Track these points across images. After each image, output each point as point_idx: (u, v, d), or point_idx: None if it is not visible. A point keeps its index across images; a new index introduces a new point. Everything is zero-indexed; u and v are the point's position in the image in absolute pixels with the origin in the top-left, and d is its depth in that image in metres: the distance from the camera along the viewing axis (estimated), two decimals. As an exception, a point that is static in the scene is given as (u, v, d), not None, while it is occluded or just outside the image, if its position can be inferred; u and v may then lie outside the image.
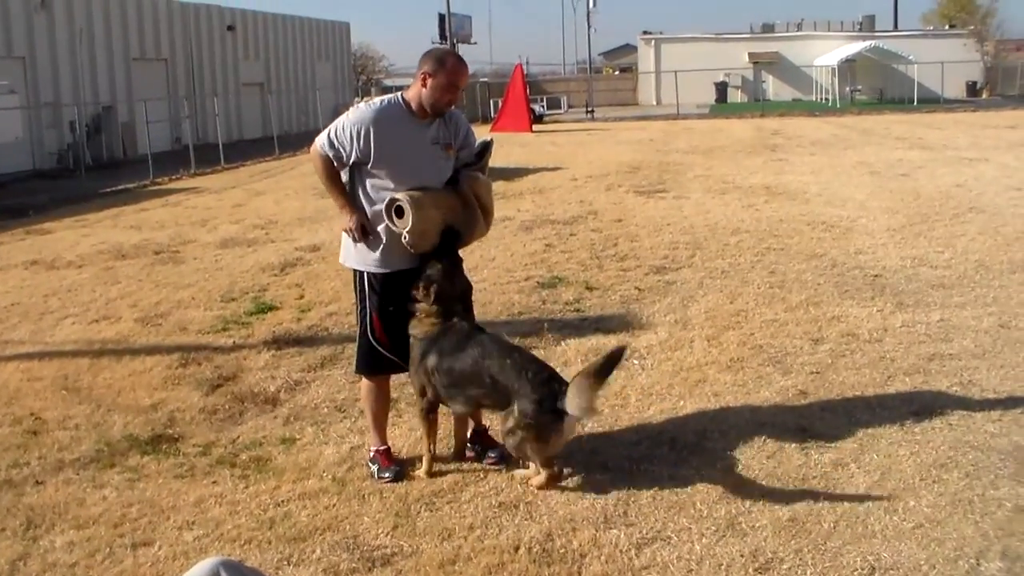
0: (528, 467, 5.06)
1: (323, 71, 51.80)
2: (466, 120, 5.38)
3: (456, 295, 5.13)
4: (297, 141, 33.26)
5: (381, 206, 5.01)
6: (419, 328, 5.09)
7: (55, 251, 13.32)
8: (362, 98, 53.32)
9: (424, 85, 4.93)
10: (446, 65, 4.92)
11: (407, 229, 4.87)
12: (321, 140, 5.08)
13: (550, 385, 4.81)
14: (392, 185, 5.00)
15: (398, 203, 4.89)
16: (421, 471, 5.19)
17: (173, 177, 24.93)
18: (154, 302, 9.65)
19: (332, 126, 5.09)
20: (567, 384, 4.76)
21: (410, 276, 5.10)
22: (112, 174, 26.63)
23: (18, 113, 29.12)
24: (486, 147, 5.38)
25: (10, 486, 5.27)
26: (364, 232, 5.07)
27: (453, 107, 5.17)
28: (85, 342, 8.26)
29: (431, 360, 5.02)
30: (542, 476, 4.94)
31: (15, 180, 25.75)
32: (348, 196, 5.15)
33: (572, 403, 4.65)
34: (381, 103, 5.09)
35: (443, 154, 5.09)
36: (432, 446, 5.23)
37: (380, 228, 5.06)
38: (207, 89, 39.79)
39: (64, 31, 31.97)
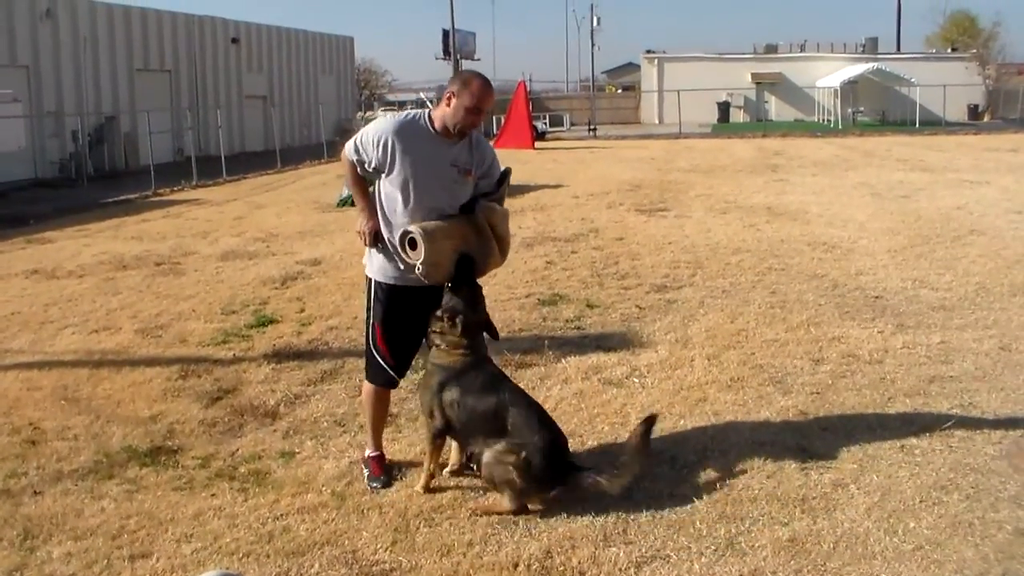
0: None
1: (326, 85, 51.89)
2: (493, 149, 5.37)
3: (481, 324, 5.14)
4: (299, 155, 33.41)
5: (392, 218, 5.05)
6: (443, 359, 5.06)
7: (56, 261, 13.33)
8: (364, 113, 53.54)
9: (448, 105, 4.95)
10: (471, 87, 4.92)
11: (420, 261, 4.85)
12: (349, 145, 5.17)
13: (562, 451, 4.96)
14: (404, 200, 5.01)
15: (411, 235, 4.87)
16: (419, 485, 5.18)
17: (175, 188, 24.97)
18: (154, 313, 9.65)
19: (361, 132, 5.18)
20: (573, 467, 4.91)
21: (417, 294, 5.10)
22: (114, 184, 26.68)
23: (21, 122, 29.17)
24: (504, 177, 5.38)
25: (8, 496, 5.25)
26: (375, 239, 5.11)
27: (479, 134, 5.21)
28: (85, 352, 8.25)
29: (451, 393, 4.99)
30: (504, 503, 4.88)
31: (17, 189, 25.80)
32: (369, 200, 5.19)
33: (615, 481, 4.78)
34: (406, 116, 5.14)
35: (460, 178, 5.08)
36: (434, 466, 5.20)
37: (389, 239, 5.08)
38: (210, 101, 39.87)
39: (68, 41, 32.07)
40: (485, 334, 5.19)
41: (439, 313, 5.04)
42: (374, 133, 5.05)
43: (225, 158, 29.05)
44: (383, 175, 5.07)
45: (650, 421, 4.98)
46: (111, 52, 34.50)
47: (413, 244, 4.88)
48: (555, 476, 4.84)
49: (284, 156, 32.31)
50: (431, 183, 5.02)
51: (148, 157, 27.09)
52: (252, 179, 27.88)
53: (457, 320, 4.99)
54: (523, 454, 4.79)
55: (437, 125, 5.02)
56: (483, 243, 5.09)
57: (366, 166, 5.11)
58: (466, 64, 51.69)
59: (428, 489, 5.15)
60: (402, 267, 5.08)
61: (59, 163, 30.41)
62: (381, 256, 5.18)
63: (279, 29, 47.69)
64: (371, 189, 5.25)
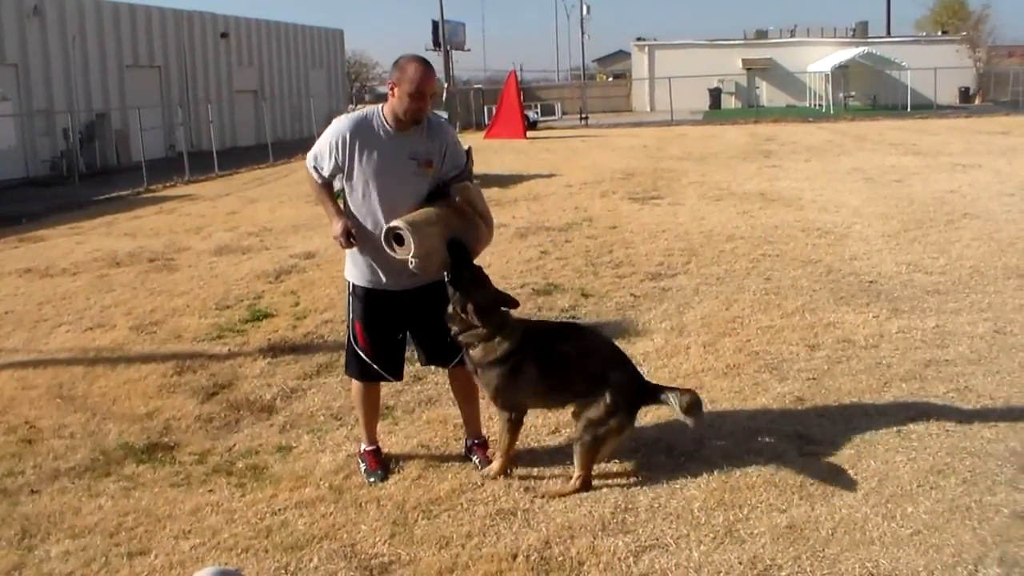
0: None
1: (317, 78, 51.82)
2: (451, 131, 5.29)
3: (499, 299, 5.08)
4: (291, 148, 33.23)
5: (363, 221, 5.01)
6: (487, 354, 5.00)
7: (49, 259, 13.30)
8: (356, 105, 53.45)
9: (393, 95, 4.90)
10: (408, 72, 4.84)
11: (411, 254, 4.77)
12: (309, 157, 5.15)
13: (636, 374, 5.16)
14: (366, 199, 4.98)
15: (396, 231, 4.80)
16: (494, 469, 5.20)
17: (167, 184, 24.91)
18: (149, 310, 9.63)
19: (317, 143, 5.12)
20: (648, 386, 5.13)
21: (394, 297, 5.09)
22: (106, 181, 26.59)
23: (11, 121, 29.08)
24: (467, 154, 5.35)
25: (5, 495, 5.25)
26: (349, 238, 5.01)
27: (435, 118, 5.14)
28: (80, 350, 8.24)
29: (529, 371, 4.99)
30: (576, 482, 4.97)
31: (8, 188, 25.76)
32: (335, 206, 5.13)
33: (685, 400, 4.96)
34: (358, 115, 5.09)
35: (419, 170, 5.00)
36: (511, 450, 5.21)
37: (362, 244, 5.04)
38: (201, 96, 39.77)
39: (57, 38, 31.98)
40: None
41: (451, 313, 5.00)
42: (329, 136, 5.01)
43: (217, 153, 29.01)
44: (344, 179, 5.03)
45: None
46: (100, 49, 34.41)
47: (400, 239, 4.81)
48: (640, 401, 5.08)
49: (276, 150, 32.24)
50: (391, 179, 4.96)
51: (140, 153, 27.02)
52: (244, 173, 27.84)
53: (468, 308, 4.92)
54: (607, 402, 4.91)
55: (390, 119, 4.96)
56: (467, 223, 5.03)
57: (323, 172, 5.07)
58: (456, 55, 51.65)
59: (503, 472, 5.18)
60: (380, 271, 5.04)
61: (50, 161, 30.37)
62: (356, 259, 5.14)
63: (268, 23, 47.59)
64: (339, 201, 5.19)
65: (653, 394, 5.05)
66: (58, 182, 27.69)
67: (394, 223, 4.82)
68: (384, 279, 5.08)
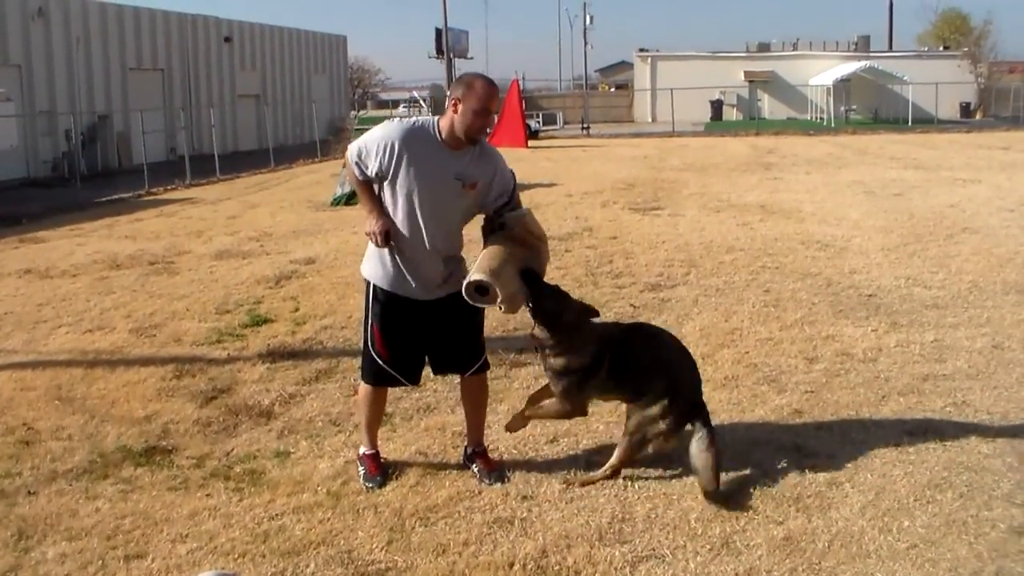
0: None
1: (319, 84, 51.90)
2: (500, 157, 5.16)
3: (584, 311, 5.17)
4: (292, 153, 33.36)
5: (400, 227, 4.97)
6: (568, 362, 5.08)
7: (49, 260, 13.30)
8: (358, 111, 53.44)
9: (455, 111, 4.83)
10: (475, 88, 4.79)
11: (500, 301, 4.78)
12: (351, 150, 5.07)
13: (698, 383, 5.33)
14: (406, 208, 4.93)
15: (478, 283, 4.77)
16: (509, 421, 5.46)
17: (168, 187, 24.94)
18: (148, 313, 9.64)
19: (363, 137, 5.06)
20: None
21: (417, 304, 5.08)
22: (107, 183, 26.63)
23: (13, 121, 29.16)
24: (513, 179, 5.32)
25: (2, 496, 5.24)
26: (387, 239, 4.96)
27: (486, 142, 5.08)
28: (79, 352, 8.24)
29: (600, 376, 5.09)
30: (608, 470, 5.18)
31: (9, 188, 25.78)
32: (376, 202, 5.03)
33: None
34: (413, 123, 5.00)
35: (462, 191, 4.94)
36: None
37: (397, 248, 5.01)
38: (203, 100, 39.87)
39: (61, 40, 32.04)
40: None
41: (538, 335, 5.08)
42: (380, 138, 4.92)
43: (218, 157, 29.03)
44: (384, 181, 4.96)
45: None
46: (104, 51, 34.47)
47: (482, 290, 4.79)
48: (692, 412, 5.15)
49: (277, 155, 32.29)
50: (433, 195, 4.91)
51: (141, 156, 27.06)
52: (245, 178, 27.85)
53: (562, 324, 5.02)
54: (666, 403, 5.06)
55: (445, 134, 4.89)
56: (531, 251, 5.02)
57: (366, 171, 4.98)
58: (459, 63, 51.71)
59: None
60: (411, 279, 5.03)
61: (52, 162, 30.43)
62: (385, 261, 5.07)
63: (272, 28, 47.69)
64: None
65: (695, 417, 5.14)
66: (59, 183, 27.73)
67: (474, 276, 4.77)
68: (414, 286, 5.04)
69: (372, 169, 4.95)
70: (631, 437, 5.12)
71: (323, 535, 4.68)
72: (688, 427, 5.11)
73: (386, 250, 5.02)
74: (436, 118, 5.00)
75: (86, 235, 16.18)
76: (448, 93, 5.04)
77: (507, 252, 4.89)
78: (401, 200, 4.94)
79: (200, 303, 10.04)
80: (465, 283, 4.82)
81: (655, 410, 5.06)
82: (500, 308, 4.85)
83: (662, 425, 5.05)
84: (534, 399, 5.46)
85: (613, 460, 5.17)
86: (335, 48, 55.34)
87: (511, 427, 5.52)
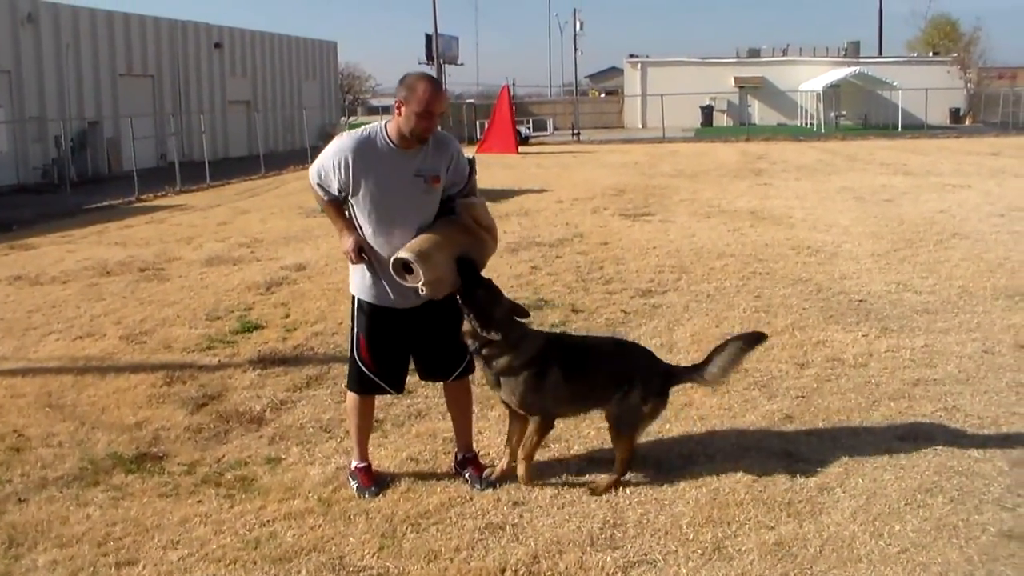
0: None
1: (310, 90, 51.86)
2: (455, 143, 5.21)
3: (514, 310, 5.12)
4: (283, 160, 33.30)
5: (370, 240, 4.98)
6: (510, 362, 5.04)
7: (39, 267, 13.27)
8: (348, 118, 53.44)
9: (400, 113, 4.84)
10: (417, 91, 4.77)
11: (421, 282, 4.76)
12: (311, 173, 5.09)
13: (657, 362, 5.45)
14: (373, 217, 4.94)
15: (403, 260, 4.78)
16: (522, 475, 5.25)
17: (158, 194, 24.88)
18: (139, 319, 9.62)
19: (319, 158, 5.06)
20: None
21: (400, 314, 5.06)
22: (97, 190, 26.57)
23: (3, 127, 29.10)
24: (471, 166, 5.33)
25: (-8, 504, 5.23)
26: (360, 254, 4.98)
27: (439, 131, 5.08)
28: (69, 359, 8.22)
29: (553, 377, 5.08)
30: (620, 467, 5.21)
31: (-1, 195, 25.67)
32: (345, 220, 5.07)
33: (713, 370, 5.26)
34: (362, 133, 5.01)
35: (427, 187, 4.96)
36: (534, 453, 5.29)
37: (371, 260, 5.01)
38: (193, 106, 39.77)
39: (51, 46, 31.96)
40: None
41: (467, 329, 5.02)
42: (334, 154, 4.93)
43: (209, 163, 29.00)
44: (349, 196, 4.98)
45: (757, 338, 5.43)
46: (94, 57, 34.39)
47: (408, 268, 4.79)
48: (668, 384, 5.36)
49: (268, 161, 32.20)
50: (398, 198, 4.92)
51: (131, 162, 27.01)
52: (236, 184, 27.81)
53: (491, 324, 4.96)
54: (640, 389, 5.16)
55: (395, 137, 4.90)
56: (474, 240, 5.02)
57: (331, 191, 5.00)
58: (450, 69, 51.73)
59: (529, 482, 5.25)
60: (389, 289, 5.01)
61: (42, 168, 30.31)
62: (364, 275, 5.08)
63: (262, 34, 47.63)
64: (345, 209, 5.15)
65: (679, 376, 5.45)
66: (49, 190, 27.65)
67: (401, 254, 4.78)
68: (392, 296, 5.03)
69: (335, 187, 4.97)
70: (622, 432, 5.18)
71: (314, 541, 4.67)
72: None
73: (363, 265, 5.03)
74: (384, 122, 5.00)
75: (76, 242, 16.14)
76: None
77: (444, 237, 4.90)
78: (369, 210, 4.95)
79: (190, 309, 10.02)
80: (393, 258, 4.83)
81: (631, 402, 5.14)
82: (421, 290, 4.80)
83: (645, 409, 5.19)
84: (511, 436, 5.42)
85: (618, 457, 5.20)
86: (326, 54, 55.29)
87: (526, 481, 5.27)
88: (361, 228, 5.03)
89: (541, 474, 5.37)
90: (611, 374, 5.21)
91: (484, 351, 5.05)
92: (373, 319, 5.12)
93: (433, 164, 4.98)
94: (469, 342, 5.07)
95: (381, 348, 5.16)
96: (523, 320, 5.17)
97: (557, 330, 8.53)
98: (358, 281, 5.14)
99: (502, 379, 5.09)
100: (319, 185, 5.05)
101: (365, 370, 5.20)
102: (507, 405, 5.28)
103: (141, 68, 37.58)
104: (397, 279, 4.86)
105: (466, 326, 5.02)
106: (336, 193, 5.00)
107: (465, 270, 4.93)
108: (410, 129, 4.83)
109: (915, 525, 4.65)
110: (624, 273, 11.27)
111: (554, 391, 5.11)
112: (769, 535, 4.59)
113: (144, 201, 23.63)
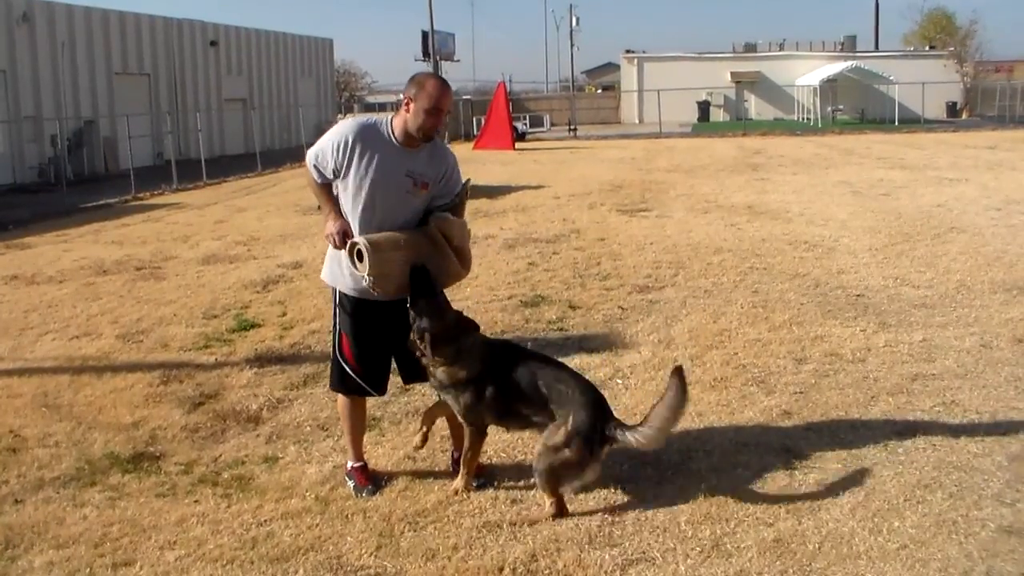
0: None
1: (306, 87, 51.80)
2: (454, 158, 5.21)
3: (458, 328, 5.01)
4: (279, 157, 33.30)
5: (351, 225, 4.99)
6: (448, 377, 4.99)
7: (36, 266, 13.25)
8: (344, 115, 53.43)
9: (408, 110, 4.87)
10: (427, 88, 4.82)
11: (366, 272, 4.76)
12: (309, 155, 5.10)
13: (603, 408, 4.90)
14: (356, 204, 4.96)
15: (357, 246, 4.79)
16: (458, 486, 5.17)
17: (155, 192, 24.86)
18: (135, 318, 9.60)
19: (319, 141, 5.08)
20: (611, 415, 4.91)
21: (384, 307, 5.03)
22: (93, 189, 26.53)
23: (-1, 127, 29.03)
24: (463, 188, 5.28)
25: (-11, 505, 5.21)
26: (345, 239, 4.94)
27: (441, 143, 5.09)
28: (65, 358, 8.20)
29: (489, 394, 4.96)
30: (550, 508, 4.85)
31: (-5, 194, 25.63)
32: (334, 203, 5.07)
33: (645, 434, 4.73)
34: (368, 119, 5.06)
35: (414, 189, 4.96)
36: (474, 464, 5.21)
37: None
38: (189, 104, 39.74)
39: (46, 45, 31.92)
40: None
41: (411, 339, 4.98)
42: (335, 136, 4.97)
43: (205, 161, 28.97)
44: (339, 178, 4.99)
45: (679, 372, 4.82)
46: (89, 56, 34.33)
47: (360, 255, 4.79)
48: (603, 437, 4.80)
49: (264, 159, 32.21)
50: (383, 192, 4.93)
51: (128, 161, 26.96)
52: (232, 182, 27.80)
53: (426, 338, 4.90)
54: (568, 428, 4.75)
55: (398, 132, 4.92)
56: (437, 254, 4.97)
57: (324, 171, 5.02)
58: (446, 65, 51.62)
59: (468, 489, 5.16)
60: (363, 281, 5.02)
61: (38, 168, 30.28)
62: (340, 263, 5.06)
63: (258, 32, 47.59)
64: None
65: (613, 436, 4.81)
66: (45, 189, 27.63)
67: (357, 238, 4.82)
68: (366, 287, 5.04)
69: (330, 168, 4.99)
70: (540, 471, 4.82)
71: (312, 541, 4.66)
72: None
73: (344, 251, 5.00)
74: (390, 116, 5.03)
75: (72, 241, 16.12)
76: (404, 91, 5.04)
77: (405, 240, 4.90)
78: (356, 195, 4.96)
79: (187, 308, 10.00)
80: (351, 241, 4.85)
81: (557, 438, 4.80)
82: (366, 280, 4.80)
83: (567, 453, 4.73)
84: (429, 416, 5.42)
85: (546, 499, 4.88)
86: (321, 51, 55.24)
87: (464, 489, 5.19)
88: (345, 214, 5.03)
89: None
90: (541, 401, 4.89)
91: (424, 361, 5.02)
92: (356, 316, 5.12)
93: (426, 170, 4.98)
94: (415, 352, 5.04)
95: (364, 346, 5.15)
96: (471, 332, 5.09)
97: (555, 327, 8.56)
98: (336, 272, 5.13)
99: (443, 391, 5.08)
100: (315, 167, 5.06)
101: (348, 370, 5.20)
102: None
103: (137, 67, 37.53)
104: (347, 262, 4.88)
105: (411, 336, 4.99)
106: (331, 176, 5.02)
107: (416, 278, 4.90)
108: (418, 126, 4.85)
109: (914, 521, 4.64)
110: (621, 269, 11.26)
111: (486, 408, 5.01)
112: (768, 532, 4.58)
113: (140, 200, 23.61)
